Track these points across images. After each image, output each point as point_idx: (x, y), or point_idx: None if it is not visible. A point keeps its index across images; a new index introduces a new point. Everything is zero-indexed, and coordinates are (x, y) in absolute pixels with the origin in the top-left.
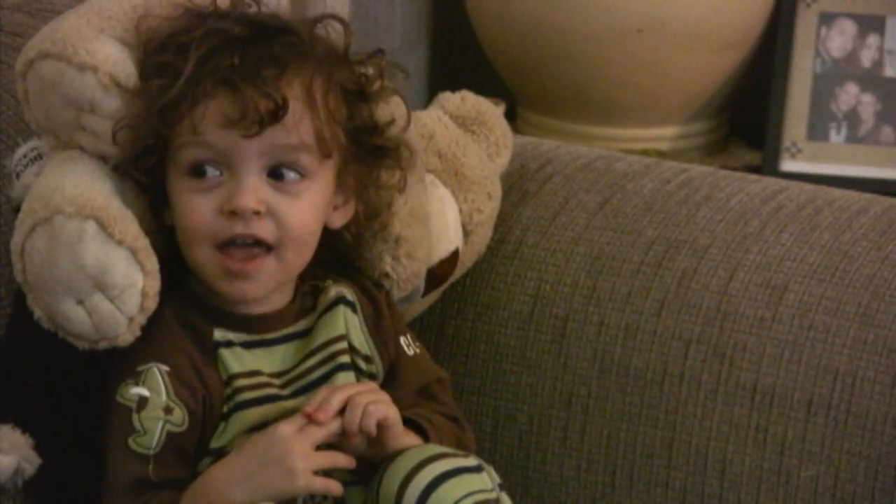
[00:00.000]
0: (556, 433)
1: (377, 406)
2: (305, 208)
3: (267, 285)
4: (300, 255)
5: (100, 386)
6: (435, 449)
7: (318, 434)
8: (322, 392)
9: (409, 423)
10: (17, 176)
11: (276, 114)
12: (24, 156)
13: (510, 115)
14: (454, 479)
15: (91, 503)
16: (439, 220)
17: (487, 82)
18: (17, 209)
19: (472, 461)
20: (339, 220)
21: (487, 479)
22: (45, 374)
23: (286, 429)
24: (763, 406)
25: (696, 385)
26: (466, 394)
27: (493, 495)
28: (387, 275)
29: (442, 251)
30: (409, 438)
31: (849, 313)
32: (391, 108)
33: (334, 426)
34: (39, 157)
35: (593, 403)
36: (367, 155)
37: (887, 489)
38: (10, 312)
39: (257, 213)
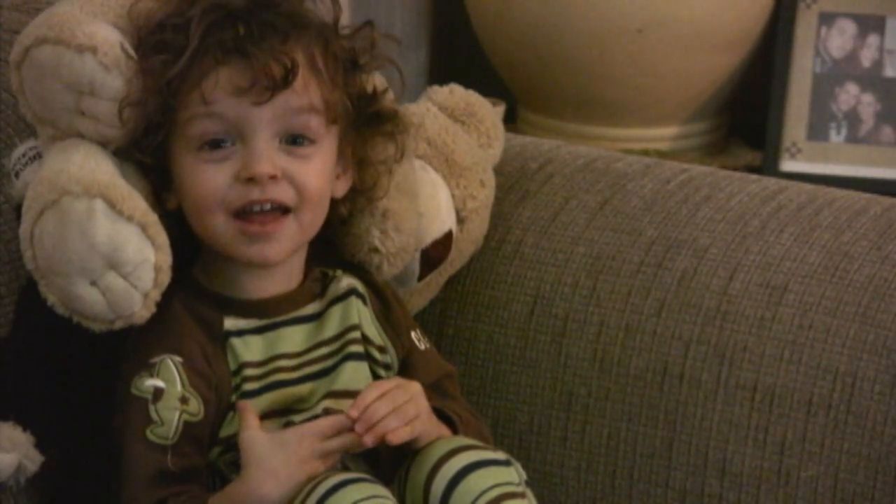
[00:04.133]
0: (556, 433)
1: (413, 425)
2: (319, 170)
3: (285, 248)
4: (316, 217)
5: (103, 383)
6: (464, 440)
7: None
8: (368, 395)
9: (438, 414)
10: (17, 175)
11: (287, 77)
12: (24, 154)
13: (510, 115)
14: (482, 469)
15: (93, 500)
16: (430, 201)
17: (487, 82)
18: (17, 208)
19: (500, 455)
20: (340, 190)
21: (515, 474)
22: (46, 372)
23: (317, 447)
24: (763, 406)
25: (696, 385)
26: (466, 394)
27: (519, 489)
28: (376, 249)
29: (434, 232)
30: (440, 428)
31: (849, 313)
32: (381, 82)
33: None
34: (38, 156)
35: (593, 403)
36: (365, 123)
37: (887, 489)
38: (11, 311)
39: (273, 177)
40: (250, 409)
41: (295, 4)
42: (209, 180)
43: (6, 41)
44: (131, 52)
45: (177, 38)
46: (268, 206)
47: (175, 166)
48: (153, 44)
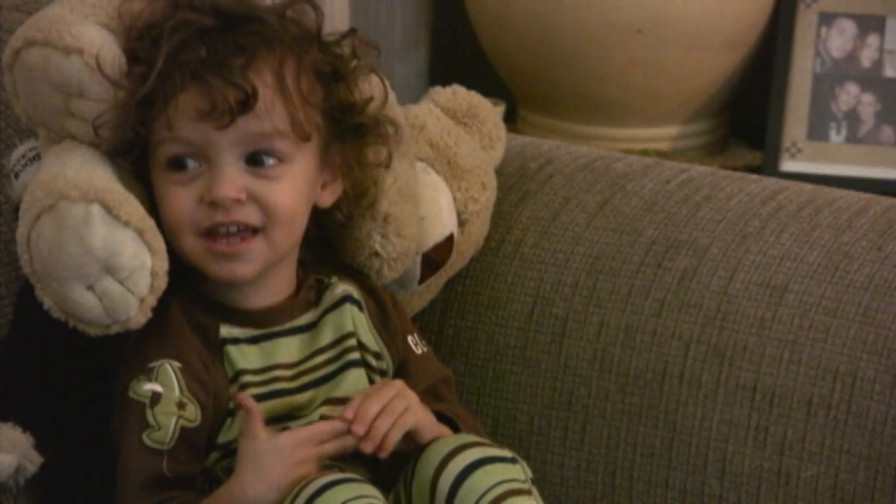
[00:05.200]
0: (556, 433)
1: (405, 418)
2: (287, 189)
3: (257, 266)
4: (288, 235)
5: (101, 386)
6: (470, 437)
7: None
8: (359, 398)
9: (438, 416)
10: (16, 176)
11: (246, 103)
12: (23, 156)
13: (510, 115)
14: (489, 466)
15: (91, 501)
16: (431, 204)
17: (487, 82)
18: (17, 209)
19: (506, 452)
20: (328, 199)
21: (521, 471)
22: (44, 374)
23: (312, 452)
24: (763, 406)
25: (696, 385)
26: (466, 394)
27: (525, 486)
28: (376, 254)
29: (436, 235)
30: (442, 429)
31: (849, 313)
32: (370, 87)
33: (352, 442)
34: (38, 157)
35: (593, 403)
36: (349, 133)
37: (887, 489)
38: (10, 311)
39: (238, 201)
40: (255, 412)
41: (268, 19)
42: (176, 201)
43: (6, 41)
44: (110, 60)
45: (151, 53)
46: (234, 228)
47: (152, 182)
48: (132, 51)
